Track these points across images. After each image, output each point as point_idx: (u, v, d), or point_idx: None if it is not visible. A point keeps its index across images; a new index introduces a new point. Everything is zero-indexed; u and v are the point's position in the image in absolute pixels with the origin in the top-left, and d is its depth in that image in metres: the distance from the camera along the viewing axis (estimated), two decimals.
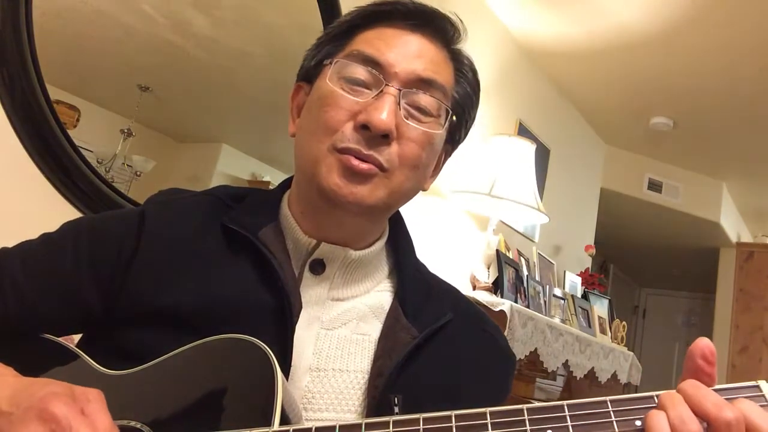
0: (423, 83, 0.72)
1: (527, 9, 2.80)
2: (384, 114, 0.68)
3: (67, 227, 0.77)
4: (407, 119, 0.71)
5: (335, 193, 0.68)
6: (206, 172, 1.82)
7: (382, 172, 0.70)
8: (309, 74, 0.77)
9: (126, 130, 1.57)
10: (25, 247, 0.75)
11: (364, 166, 0.68)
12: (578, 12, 2.75)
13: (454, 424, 0.53)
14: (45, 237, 0.76)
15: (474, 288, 2.51)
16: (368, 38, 0.73)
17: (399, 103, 0.70)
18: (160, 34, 1.58)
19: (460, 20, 0.78)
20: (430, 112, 0.73)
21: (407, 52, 0.72)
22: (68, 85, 1.43)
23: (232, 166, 1.87)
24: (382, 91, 0.70)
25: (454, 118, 0.76)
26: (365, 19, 0.75)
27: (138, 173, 1.60)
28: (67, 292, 0.71)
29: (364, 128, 0.68)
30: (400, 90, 0.70)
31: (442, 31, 0.75)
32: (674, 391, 0.51)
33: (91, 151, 1.49)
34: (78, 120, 1.46)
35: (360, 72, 0.71)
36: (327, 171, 0.69)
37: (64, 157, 1.38)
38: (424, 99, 0.72)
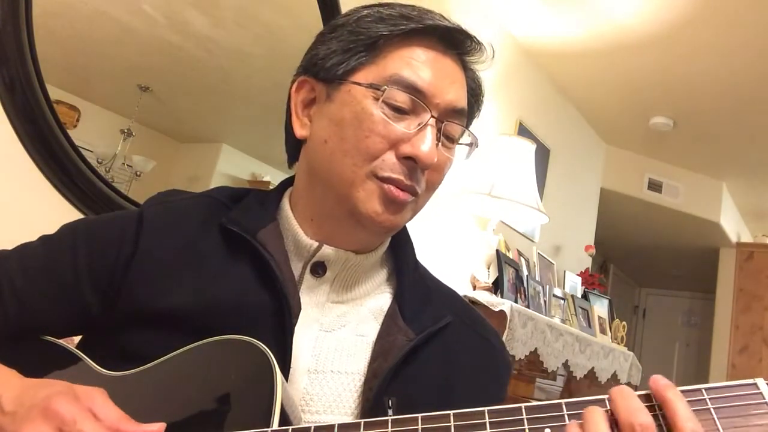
0: (456, 113, 0.73)
1: (527, 9, 2.80)
2: (430, 148, 0.69)
3: (66, 229, 0.76)
4: (438, 147, 0.71)
5: (373, 220, 0.69)
6: (206, 172, 1.82)
7: (414, 198, 0.72)
8: (326, 76, 0.73)
9: (126, 130, 1.57)
10: (23, 249, 0.75)
11: (403, 196, 0.69)
12: (578, 12, 2.75)
13: (452, 423, 0.53)
14: (44, 239, 0.76)
15: (474, 288, 2.51)
16: (405, 59, 0.71)
17: (438, 135, 0.71)
18: (160, 34, 1.58)
19: (492, 45, 0.77)
20: (455, 139, 0.75)
21: (443, 77, 0.71)
22: (68, 85, 1.43)
23: (232, 166, 1.87)
24: (426, 123, 0.70)
25: (471, 142, 0.78)
26: (400, 32, 0.71)
27: (138, 173, 1.60)
28: (66, 294, 0.71)
29: (407, 159, 0.69)
30: (441, 122, 0.71)
31: (467, 52, 0.75)
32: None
33: (91, 151, 1.49)
34: (78, 120, 1.46)
35: (403, 99, 0.69)
36: (366, 197, 0.69)
37: (64, 157, 1.38)
38: (454, 128, 0.73)
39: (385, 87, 0.69)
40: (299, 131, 0.75)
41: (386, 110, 0.69)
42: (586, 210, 4.13)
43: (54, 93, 1.36)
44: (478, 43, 0.75)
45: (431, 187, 0.74)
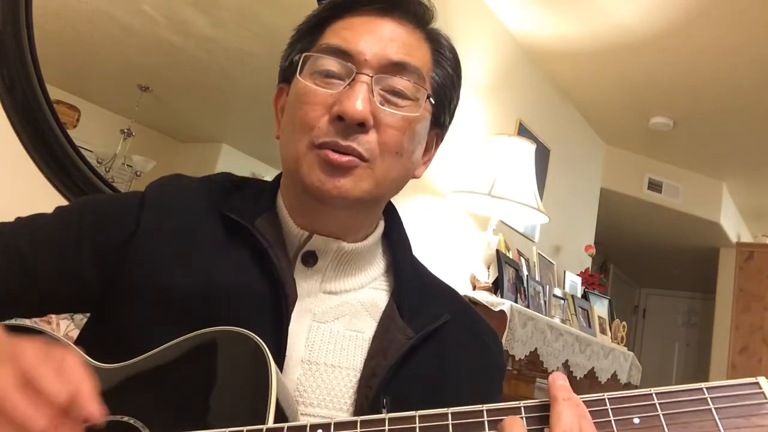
0: (396, 67, 0.70)
1: (527, 9, 2.80)
2: (357, 102, 0.67)
3: (77, 203, 0.79)
4: (383, 105, 0.69)
5: (318, 189, 0.68)
6: (206, 173, 1.82)
7: (364, 162, 0.69)
8: (286, 75, 0.77)
9: (126, 130, 1.57)
10: (38, 218, 0.76)
11: (343, 159, 0.67)
12: (578, 12, 2.75)
13: (450, 422, 0.53)
14: (58, 210, 0.78)
15: (474, 288, 2.51)
16: (337, 29, 0.72)
17: (372, 90, 0.69)
18: (160, 34, 1.58)
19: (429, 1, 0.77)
20: (407, 96, 0.71)
21: (378, 37, 0.70)
22: (68, 85, 1.44)
23: (232, 166, 1.87)
24: (353, 79, 0.68)
25: (433, 100, 0.74)
26: (334, 11, 0.73)
27: (138, 173, 1.60)
28: (66, 266, 0.72)
29: (339, 119, 0.67)
30: (372, 76, 0.69)
31: (412, 12, 0.74)
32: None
33: (91, 151, 1.49)
34: (78, 120, 1.46)
35: (330, 64, 0.69)
36: (308, 168, 0.69)
37: (64, 157, 1.38)
38: (399, 83, 0.70)
39: (307, 55, 0.71)
40: (275, 132, 0.78)
41: (317, 79, 0.70)
42: (586, 210, 4.13)
43: (54, 93, 1.37)
44: (417, 2, 0.75)
45: (388, 150, 0.70)
